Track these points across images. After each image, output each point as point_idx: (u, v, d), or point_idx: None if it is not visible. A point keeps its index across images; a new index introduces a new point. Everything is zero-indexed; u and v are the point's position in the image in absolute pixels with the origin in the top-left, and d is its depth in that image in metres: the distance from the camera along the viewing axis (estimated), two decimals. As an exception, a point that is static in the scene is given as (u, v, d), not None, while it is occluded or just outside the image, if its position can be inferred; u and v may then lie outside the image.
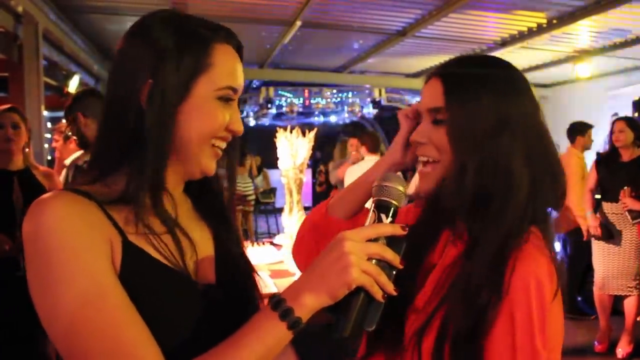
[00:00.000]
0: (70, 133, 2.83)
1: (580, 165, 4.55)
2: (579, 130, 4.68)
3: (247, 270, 0.93)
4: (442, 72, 0.94)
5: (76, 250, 0.69)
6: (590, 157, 4.77)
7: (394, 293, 0.74)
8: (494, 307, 0.79)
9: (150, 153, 0.76)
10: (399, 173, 0.97)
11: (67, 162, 3.69)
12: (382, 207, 0.81)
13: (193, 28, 0.80)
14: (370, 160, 4.88)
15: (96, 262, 0.70)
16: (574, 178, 4.39)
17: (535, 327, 0.78)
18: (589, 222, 4.02)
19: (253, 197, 8.46)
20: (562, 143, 4.80)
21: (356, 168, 4.89)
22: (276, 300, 0.71)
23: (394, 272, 0.75)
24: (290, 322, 0.70)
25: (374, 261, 0.73)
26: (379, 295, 0.73)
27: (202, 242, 0.87)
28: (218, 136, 0.83)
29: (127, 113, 0.77)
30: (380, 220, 0.79)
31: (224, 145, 0.85)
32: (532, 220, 0.87)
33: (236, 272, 0.90)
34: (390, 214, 0.80)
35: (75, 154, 2.91)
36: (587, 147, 4.74)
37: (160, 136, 0.76)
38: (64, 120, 3.00)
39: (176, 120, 0.78)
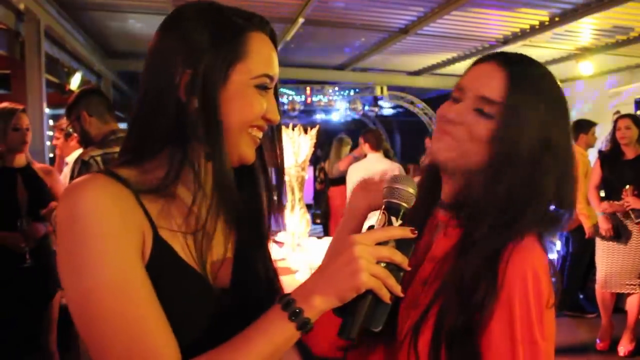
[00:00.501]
0: (71, 130, 2.85)
1: (584, 162, 4.53)
2: (582, 128, 4.66)
3: (267, 275, 0.93)
4: (507, 62, 0.89)
5: (108, 238, 0.69)
6: (592, 155, 4.78)
7: (402, 295, 0.75)
8: (491, 299, 0.78)
9: (200, 142, 0.77)
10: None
11: (69, 159, 3.70)
12: (392, 209, 0.81)
13: (227, 18, 0.81)
14: (372, 157, 4.87)
15: (127, 252, 0.70)
16: (578, 176, 4.35)
17: (533, 318, 0.78)
18: (600, 224, 3.98)
19: None
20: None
21: (360, 165, 4.89)
22: (286, 301, 0.72)
23: (402, 274, 0.76)
24: (300, 322, 0.71)
25: (382, 264, 0.74)
26: (386, 297, 0.74)
27: (222, 244, 0.87)
28: (255, 124, 0.83)
29: (166, 103, 0.77)
30: (390, 222, 0.80)
31: (260, 134, 0.85)
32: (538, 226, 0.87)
33: (253, 277, 0.90)
34: (400, 216, 0.80)
35: (76, 151, 2.93)
36: (590, 144, 4.73)
37: (209, 124, 0.77)
38: (53, 120, 3.05)
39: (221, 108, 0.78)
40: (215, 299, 0.80)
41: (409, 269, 0.76)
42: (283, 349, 0.72)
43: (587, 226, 4.26)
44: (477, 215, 0.86)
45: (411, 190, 0.81)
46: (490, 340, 0.78)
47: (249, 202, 0.91)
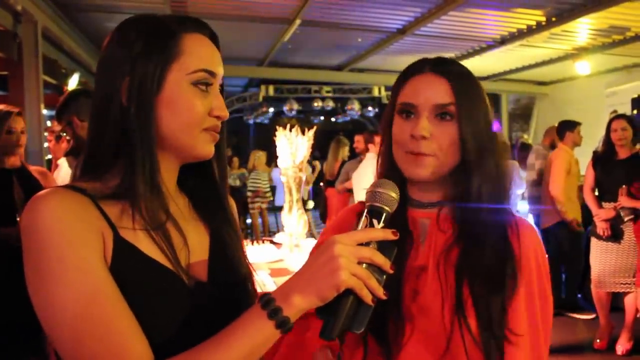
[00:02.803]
0: (64, 133, 2.84)
1: (566, 159, 4.60)
2: (568, 126, 4.73)
3: (243, 271, 0.94)
4: (442, 69, 0.99)
5: (70, 245, 0.71)
6: (580, 154, 4.82)
7: (384, 297, 0.75)
8: (516, 272, 0.93)
9: (138, 147, 0.79)
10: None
11: (61, 161, 3.69)
12: (374, 212, 0.81)
13: (161, 23, 0.83)
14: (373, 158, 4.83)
15: (89, 257, 0.72)
16: (559, 172, 4.54)
17: (544, 280, 0.97)
18: (598, 224, 4.00)
19: (270, 193, 8.52)
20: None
21: (364, 164, 4.85)
22: (266, 300, 0.73)
23: (385, 277, 0.76)
24: (278, 321, 0.71)
25: (364, 265, 0.74)
26: (368, 298, 0.74)
27: (197, 240, 0.88)
28: (206, 127, 0.84)
29: (111, 111, 0.80)
30: (372, 225, 0.80)
31: (217, 129, 0.87)
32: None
33: (230, 271, 0.91)
34: (382, 219, 0.81)
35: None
36: (577, 143, 4.76)
37: (143, 128, 0.79)
38: (50, 121, 3.03)
39: (157, 113, 0.80)
40: (189, 293, 0.80)
41: (391, 271, 0.76)
42: (263, 348, 0.72)
43: (568, 220, 4.53)
44: (470, 204, 0.97)
45: (393, 195, 0.82)
46: (516, 301, 0.93)
47: (208, 192, 0.93)
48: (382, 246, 0.77)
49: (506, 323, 0.91)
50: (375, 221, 0.80)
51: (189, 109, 0.81)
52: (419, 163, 0.96)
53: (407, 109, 0.98)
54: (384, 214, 0.81)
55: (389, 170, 1.03)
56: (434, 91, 0.96)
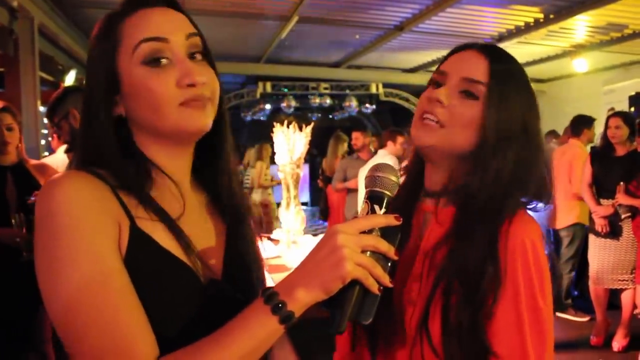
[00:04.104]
0: (56, 134, 2.81)
1: (583, 157, 4.51)
2: (586, 123, 4.61)
3: (257, 268, 0.92)
4: (484, 49, 0.93)
5: (83, 232, 0.69)
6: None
7: (390, 285, 0.73)
8: (498, 281, 0.81)
9: (130, 143, 0.81)
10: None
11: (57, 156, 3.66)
12: (375, 198, 0.79)
13: (107, 16, 0.82)
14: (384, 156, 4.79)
15: (102, 244, 0.70)
16: (579, 169, 4.30)
17: (535, 287, 0.82)
18: (596, 221, 3.99)
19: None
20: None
21: (374, 161, 4.83)
22: (269, 294, 0.70)
23: (389, 264, 0.74)
24: (282, 316, 0.69)
25: (368, 253, 0.72)
26: (374, 287, 0.71)
27: (213, 236, 0.87)
28: (180, 101, 0.77)
29: (91, 110, 0.80)
30: (373, 211, 0.78)
31: (198, 97, 0.78)
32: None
33: (244, 268, 0.89)
34: (384, 205, 0.78)
35: (61, 147, 2.89)
36: (591, 140, 4.70)
37: (115, 127, 0.80)
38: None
39: (128, 107, 0.79)
40: (203, 289, 0.79)
41: (395, 258, 0.74)
42: (266, 343, 0.70)
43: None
44: (468, 200, 0.88)
45: (393, 179, 0.79)
46: (497, 313, 0.81)
47: (225, 195, 0.91)
48: (385, 232, 0.74)
49: (483, 338, 0.81)
50: (376, 207, 0.78)
51: (148, 92, 0.76)
52: (425, 126, 0.90)
53: (437, 79, 0.93)
54: (385, 199, 0.79)
55: (414, 156, 1.00)
56: (469, 64, 0.91)
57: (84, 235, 0.69)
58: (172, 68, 0.77)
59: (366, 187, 0.81)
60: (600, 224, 3.93)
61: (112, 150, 0.79)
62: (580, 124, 4.60)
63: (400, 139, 4.66)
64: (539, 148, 0.92)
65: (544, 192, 0.92)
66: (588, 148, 4.72)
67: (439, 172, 0.94)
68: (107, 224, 0.72)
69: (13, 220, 2.65)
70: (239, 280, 0.86)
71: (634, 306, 3.84)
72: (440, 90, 0.90)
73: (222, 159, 0.90)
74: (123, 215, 0.74)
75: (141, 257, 0.74)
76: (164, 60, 0.76)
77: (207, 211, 0.89)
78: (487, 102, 0.88)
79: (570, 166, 4.40)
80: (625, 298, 3.91)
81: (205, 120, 0.79)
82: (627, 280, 3.86)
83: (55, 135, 3.82)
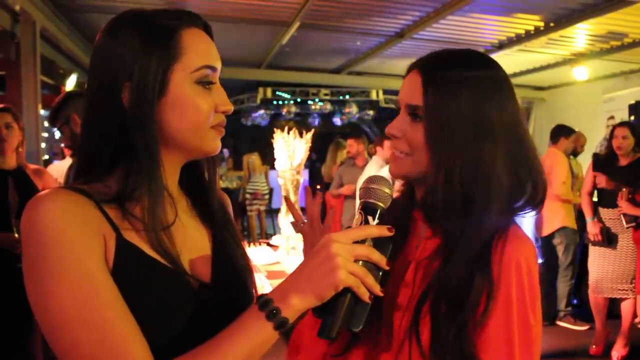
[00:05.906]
0: (62, 134, 2.80)
1: (564, 164, 4.54)
2: (564, 132, 4.68)
3: (246, 271, 0.93)
4: (422, 66, 0.93)
5: (70, 247, 0.70)
6: (579, 159, 4.79)
7: (381, 294, 0.75)
8: (490, 295, 0.80)
9: (141, 150, 0.77)
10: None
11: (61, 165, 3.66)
12: (368, 209, 0.81)
13: (156, 22, 0.81)
14: (373, 161, 4.81)
15: (89, 258, 0.71)
16: (562, 179, 4.42)
17: (528, 305, 0.81)
18: (589, 229, 4.00)
19: (268, 195, 8.55)
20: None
21: (370, 166, 4.83)
22: (264, 301, 0.72)
23: (381, 273, 0.76)
24: (277, 322, 0.71)
25: (360, 262, 0.74)
26: (365, 296, 0.74)
27: (199, 241, 0.87)
28: (213, 124, 0.82)
29: (111, 113, 0.78)
30: (366, 221, 0.80)
31: (223, 124, 0.85)
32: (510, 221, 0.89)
33: (233, 272, 0.90)
34: (377, 216, 0.80)
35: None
36: (568, 151, 4.72)
37: (146, 131, 0.77)
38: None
39: (162, 115, 0.79)
40: (193, 294, 0.80)
41: (387, 268, 0.76)
42: (261, 350, 0.72)
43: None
44: (444, 215, 0.87)
45: (387, 190, 0.81)
46: (488, 327, 0.81)
47: (210, 200, 0.92)
48: (378, 243, 0.77)
49: (469, 352, 0.80)
50: (370, 218, 0.80)
51: (195, 109, 0.80)
52: (395, 159, 0.94)
53: (397, 107, 0.96)
54: (378, 210, 0.81)
55: None
56: (409, 88, 0.92)
57: (70, 251, 0.70)
58: (213, 93, 0.82)
59: (360, 199, 0.83)
60: (592, 233, 3.95)
61: (106, 156, 0.79)
62: (559, 134, 4.69)
63: (387, 143, 4.71)
64: (511, 140, 0.87)
65: (538, 192, 0.89)
66: (583, 157, 4.74)
67: (420, 189, 0.95)
68: (92, 237, 0.73)
69: (15, 230, 2.64)
70: (228, 283, 0.87)
71: (634, 316, 3.82)
72: (394, 123, 0.93)
73: (201, 162, 0.91)
74: (108, 228, 0.75)
75: (129, 268, 0.75)
76: (212, 85, 0.82)
77: (190, 215, 0.90)
78: (427, 121, 0.87)
79: (551, 169, 4.45)
80: (625, 307, 3.89)
81: (219, 144, 0.86)
82: (627, 290, 3.85)
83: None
